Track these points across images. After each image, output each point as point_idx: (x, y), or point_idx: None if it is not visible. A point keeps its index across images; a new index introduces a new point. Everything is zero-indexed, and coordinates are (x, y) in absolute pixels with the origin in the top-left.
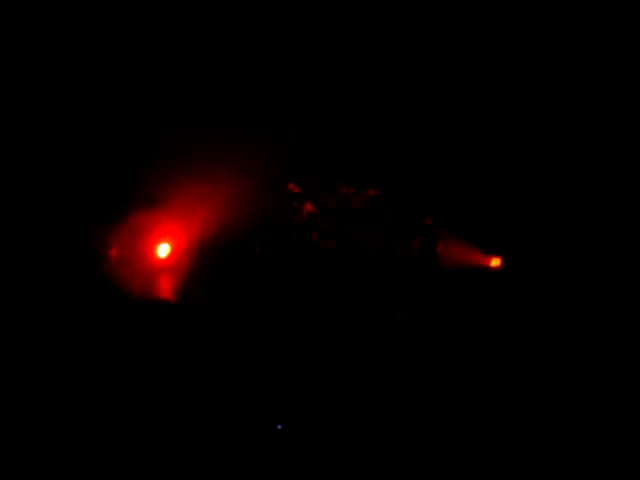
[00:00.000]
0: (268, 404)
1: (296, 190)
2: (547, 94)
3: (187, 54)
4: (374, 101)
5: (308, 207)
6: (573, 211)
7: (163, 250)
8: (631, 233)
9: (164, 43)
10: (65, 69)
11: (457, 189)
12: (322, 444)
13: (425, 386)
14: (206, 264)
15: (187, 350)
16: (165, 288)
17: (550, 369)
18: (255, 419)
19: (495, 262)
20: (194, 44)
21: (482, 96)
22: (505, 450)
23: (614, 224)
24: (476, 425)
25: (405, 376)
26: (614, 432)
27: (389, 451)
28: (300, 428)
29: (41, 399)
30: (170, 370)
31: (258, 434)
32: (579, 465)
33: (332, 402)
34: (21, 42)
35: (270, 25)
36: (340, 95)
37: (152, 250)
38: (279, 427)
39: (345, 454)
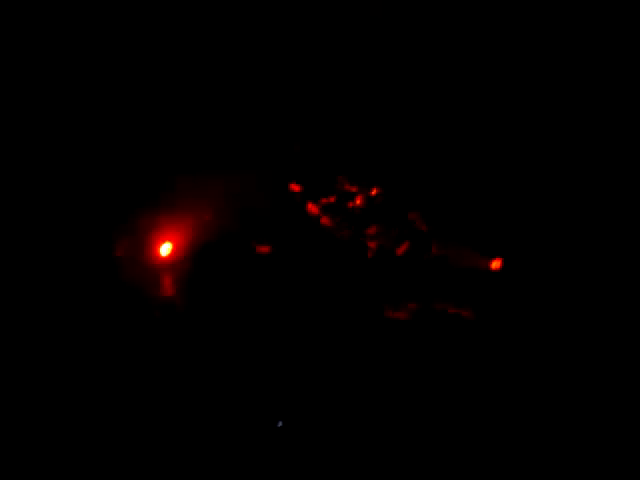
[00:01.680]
0: (269, 402)
1: (297, 190)
2: (545, 94)
3: (188, 52)
4: (376, 100)
5: (310, 207)
6: (574, 212)
7: (165, 249)
8: (632, 234)
9: (167, 44)
10: (68, 70)
11: (457, 189)
12: (323, 441)
13: (425, 381)
14: (208, 264)
15: (189, 349)
16: (167, 287)
17: (551, 371)
18: (256, 417)
19: (495, 264)
20: (195, 44)
21: (482, 97)
22: (505, 450)
23: (615, 225)
24: (475, 425)
25: (405, 373)
26: (614, 432)
27: (389, 448)
28: (301, 425)
29: (41, 397)
30: (172, 368)
31: (258, 432)
32: (579, 465)
33: (332, 398)
34: (24, 42)
35: (269, 25)
36: (341, 94)
37: (155, 249)
38: (280, 424)
39: (346, 450)
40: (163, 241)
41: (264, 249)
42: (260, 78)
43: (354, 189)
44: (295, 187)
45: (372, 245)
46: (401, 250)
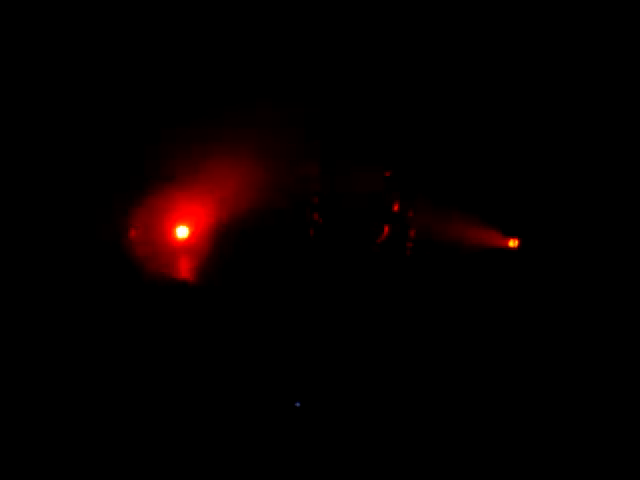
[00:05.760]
0: (286, 383)
1: (307, 173)
2: (570, 80)
3: (203, 41)
4: (381, 85)
5: (317, 188)
6: (591, 194)
7: (182, 232)
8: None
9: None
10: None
11: (475, 171)
12: (339, 422)
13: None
14: (223, 246)
15: (204, 331)
16: (183, 269)
17: (565, 359)
18: (273, 398)
19: (513, 243)
20: (209, 31)
21: (496, 81)
22: (506, 450)
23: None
24: (482, 421)
25: (412, 356)
26: (615, 432)
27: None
28: (318, 407)
29: (57, 380)
30: (187, 351)
31: (276, 412)
32: (579, 465)
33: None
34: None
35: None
36: (348, 79)
37: (171, 231)
38: (297, 404)
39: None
40: (180, 223)
41: (277, 230)
42: (273, 61)
43: (361, 172)
44: (306, 171)
45: (381, 229)
46: (412, 233)
